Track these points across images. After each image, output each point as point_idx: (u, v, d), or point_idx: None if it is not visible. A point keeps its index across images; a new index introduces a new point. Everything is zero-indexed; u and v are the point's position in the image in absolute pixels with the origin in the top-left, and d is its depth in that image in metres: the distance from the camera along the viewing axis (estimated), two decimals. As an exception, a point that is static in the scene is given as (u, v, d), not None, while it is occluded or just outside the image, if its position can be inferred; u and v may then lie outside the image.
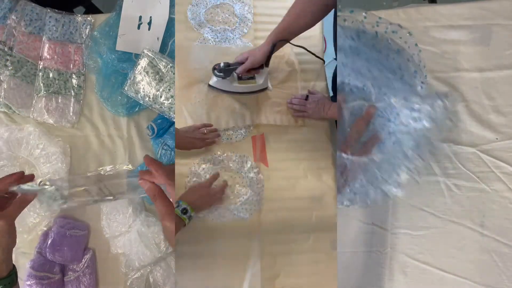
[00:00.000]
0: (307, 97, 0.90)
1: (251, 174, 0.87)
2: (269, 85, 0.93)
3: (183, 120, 0.89)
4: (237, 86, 0.89)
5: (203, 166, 0.87)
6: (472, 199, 0.77)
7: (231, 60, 0.90)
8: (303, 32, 0.85)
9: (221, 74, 0.87)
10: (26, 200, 0.65)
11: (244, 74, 0.88)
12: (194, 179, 0.86)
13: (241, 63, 0.86)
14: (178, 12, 0.95)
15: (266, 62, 0.87)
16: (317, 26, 1.00)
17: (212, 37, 0.98)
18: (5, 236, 0.62)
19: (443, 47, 0.81)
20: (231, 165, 0.87)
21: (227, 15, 1.00)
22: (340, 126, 0.69)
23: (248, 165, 0.88)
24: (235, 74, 0.88)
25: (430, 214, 0.79)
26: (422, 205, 0.79)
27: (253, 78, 0.89)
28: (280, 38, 0.83)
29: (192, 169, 0.86)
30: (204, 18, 1.00)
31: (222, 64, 0.86)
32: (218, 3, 1.02)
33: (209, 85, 0.90)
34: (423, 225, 0.79)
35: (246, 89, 0.90)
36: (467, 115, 0.79)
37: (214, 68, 0.88)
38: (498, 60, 0.78)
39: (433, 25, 0.82)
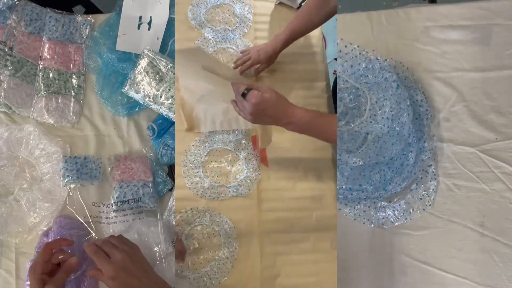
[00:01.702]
0: (244, 94, 0.69)
1: (246, 153, 0.88)
2: None
3: (179, 121, 0.89)
4: None
5: (199, 147, 0.89)
6: (472, 199, 0.77)
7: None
8: (307, 33, 0.90)
9: None
10: (72, 267, 0.69)
11: None
12: (191, 157, 0.88)
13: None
14: (178, 12, 0.95)
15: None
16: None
17: (212, 37, 0.98)
18: None
19: (443, 47, 0.81)
20: (227, 147, 0.89)
21: (227, 15, 1.01)
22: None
23: (243, 144, 0.89)
24: None
25: (430, 214, 0.79)
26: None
27: None
28: (293, 39, 0.88)
29: (189, 148, 0.88)
30: (205, 18, 1.00)
31: None
32: (218, 3, 1.02)
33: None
34: (423, 225, 0.79)
35: None
36: (467, 115, 0.79)
37: None
38: (498, 60, 0.78)
39: (433, 25, 0.81)
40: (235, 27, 1.00)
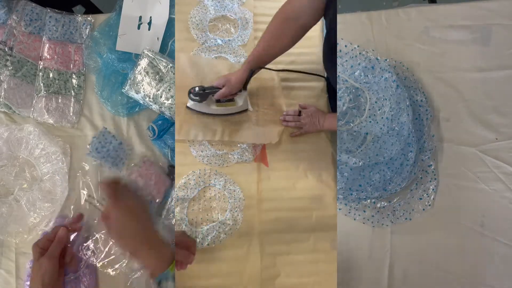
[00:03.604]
0: (299, 113, 0.90)
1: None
2: (249, 106, 0.92)
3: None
4: (216, 109, 0.89)
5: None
6: (472, 199, 0.77)
7: (224, 70, 0.92)
8: (280, 55, 0.84)
9: (197, 98, 0.85)
10: (61, 238, 0.76)
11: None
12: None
13: (218, 88, 0.85)
14: (178, 12, 0.95)
15: (244, 86, 0.86)
16: (317, 26, 1.01)
17: (212, 6, 1.01)
18: (49, 272, 0.72)
19: (443, 47, 0.81)
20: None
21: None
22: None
23: None
24: (212, 98, 0.87)
25: (430, 214, 0.79)
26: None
27: (232, 100, 0.89)
28: (257, 65, 0.83)
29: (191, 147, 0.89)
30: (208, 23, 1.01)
31: (197, 88, 0.84)
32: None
33: (187, 107, 0.89)
34: (423, 225, 0.79)
35: (225, 111, 0.90)
36: (467, 115, 0.79)
37: (189, 92, 0.86)
38: (498, 60, 0.78)
39: (433, 25, 0.82)
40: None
